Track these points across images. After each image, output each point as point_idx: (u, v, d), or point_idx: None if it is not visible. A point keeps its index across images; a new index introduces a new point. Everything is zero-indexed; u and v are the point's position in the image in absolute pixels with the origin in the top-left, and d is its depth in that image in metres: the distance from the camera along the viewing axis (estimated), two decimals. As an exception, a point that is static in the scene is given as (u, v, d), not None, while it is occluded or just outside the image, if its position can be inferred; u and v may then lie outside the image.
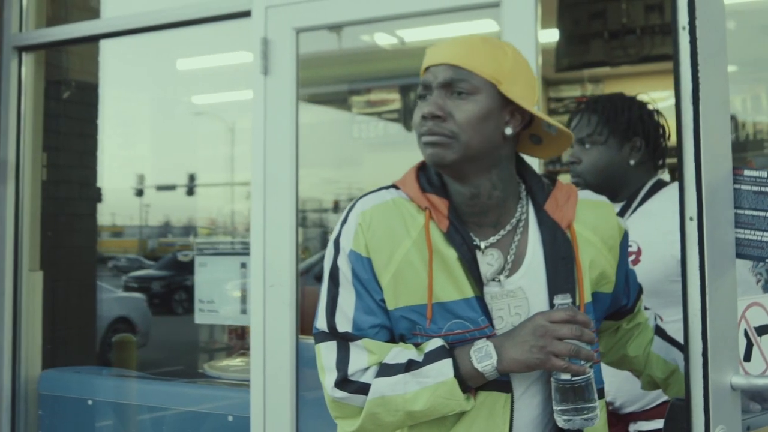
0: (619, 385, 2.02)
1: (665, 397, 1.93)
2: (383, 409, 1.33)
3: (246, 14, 3.00)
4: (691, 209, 1.32)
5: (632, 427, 2.08)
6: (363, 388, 1.34)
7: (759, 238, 1.39)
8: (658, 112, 2.15)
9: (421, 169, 1.45)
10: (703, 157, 1.32)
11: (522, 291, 1.38)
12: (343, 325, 1.37)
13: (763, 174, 1.42)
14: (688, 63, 1.33)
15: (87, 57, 4.26)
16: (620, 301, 1.55)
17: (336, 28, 2.95)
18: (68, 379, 3.49)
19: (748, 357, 1.48)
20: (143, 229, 23.07)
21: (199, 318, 3.06)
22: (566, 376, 1.29)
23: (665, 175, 2.17)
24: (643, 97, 2.17)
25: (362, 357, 1.35)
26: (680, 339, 1.78)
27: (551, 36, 4.95)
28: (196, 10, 3.19)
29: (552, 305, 1.36)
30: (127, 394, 3.31)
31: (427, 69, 1.40)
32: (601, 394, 1.44)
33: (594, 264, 1.44)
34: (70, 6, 4.15)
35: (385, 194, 1.42)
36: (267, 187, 2.88)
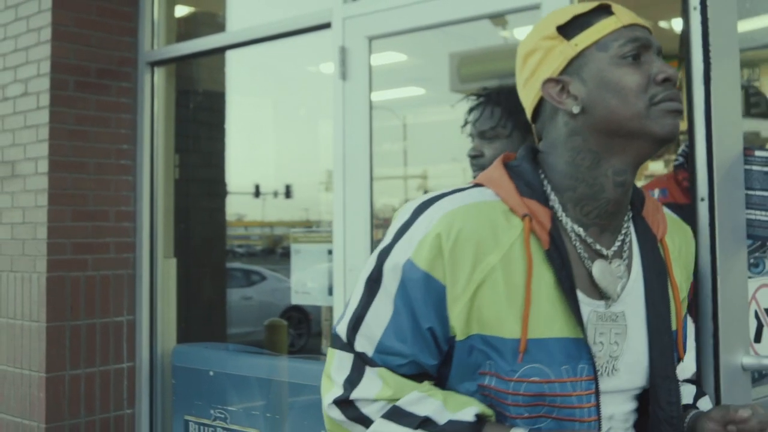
0: None
1: None
2: None
3: (327, 26, 3.02)
4: (703, 190, 1.19)
5: None
6: (362, 420, 1.06)
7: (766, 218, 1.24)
8: None
9: (509, 167, 1.12)
10: (714, 138, 1.18)
11: (623, 317, 1.08)
12: (364, 344, 1.06)
13: (769, 154, 1.27)
14: (699, 43, 1.20)
15: (214, 67, 4.44)
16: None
17: (408, 33, 2.92)
18: (196, 353, 3.63)
19: (758, 338, 1.32)
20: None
21: (295, 299, 3.14)
22: None
23: None
24: None
25: (374, 386, 1.05)
26: None
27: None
28: (287, 24, 3.26)
29: (650, 327, 1.07)
30: (240, 367, 3.42)
31: (631, 26, 1.07)
32: None
33: (680, 287, 1.14)
34: (200, 23, 4.33)
35: (472, 194, 1.07)
36: (346, 181, 2.89)
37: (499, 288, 1.01)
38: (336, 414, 1.07)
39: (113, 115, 3.69)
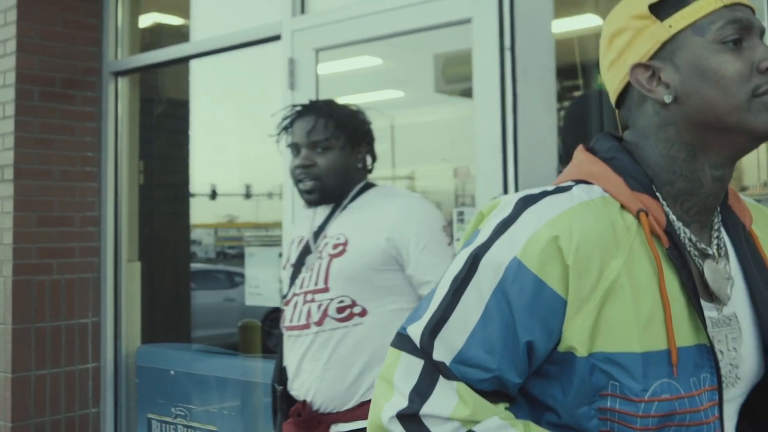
0: (319, 385, 1.97)
1: (366, 397, 1.94)
2: None
3: (277, 38, 3.27)
4: None
5: (333, 428, 1.97)
6: None
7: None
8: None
9: (602, 157, 1.00)
10: (520, 159, 1.43)
11: (736, 319, 1.00)
12: (443, 352, 0.93)
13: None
14: (510, 79, 1.45)
15: (179, 75, 4.70)
16: None
17: (352, 45, 3.18)
18: (158, 353, 3.86)
19: None
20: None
21: (249, 300, 3.38)
22: None
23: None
24: (354, 105, 2.18)
25: (448, 402, 0.92)
26: None
27: None
28: (240, 36, 3.52)
29: (762, 327, 0.99)
30: (200, 366, 3.66)
31: (732, 5, 0.96)
32: None
33: None
34: (164, 33, 4.59)
35: (581, 190, 0.96)
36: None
37: (626, 296, 0.90)
38: (397, 429, 0.93)
39: (78, 124, 3.92)
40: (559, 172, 1.54)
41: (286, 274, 2.15)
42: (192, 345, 4.18)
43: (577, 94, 6.14)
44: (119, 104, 4.05)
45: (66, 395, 3.79)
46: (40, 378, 3.70)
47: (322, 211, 2.14)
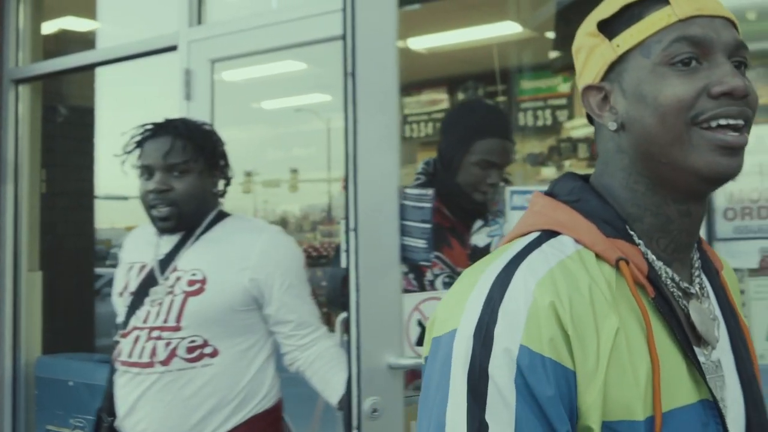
0: (158, 426, 1.91)
1: None
2: None
3: (174, 48, 3.36)
4: (352, 222, 1.56)
5: None
6: None
7: (415, 244, 1.63)
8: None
9: (566, 200, 0.92)
10: (360, 181, 1.55)
11: (721, 365, 0.92)
12: None
13: (417, 192, 1.66)
14: (351, 103, 1.58)
15: (83, 83, 4.75)
16: None
17: (247, 56, 3.30)
18: (58, 364, 3.87)
19: (421, 342, 1.72)
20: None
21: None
22: None
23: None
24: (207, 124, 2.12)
25: None
26: None
27: None
28: (138, 46, 3.62)
29: (741, 375, 0.94)
30: (100, 376, 3.70)
31: (690, 19, 0.85)
32: None
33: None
34: (69, 40, 4.63)
35: (553, 247, 0.86)
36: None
37: (623, 357, 0.81)
38: None
39: (-24, 132, 3.95)
40: (402, 193, 1.66)
41: (123, 302, 2.02)
42: (94, 355, 4.21)
43: (499, 99, 6.37)
44: (20, 112, 4.07)
45: (-39, 408, 3.80)
46: (-67, 391, 3.71)
47: (168, 238, 2.03)
